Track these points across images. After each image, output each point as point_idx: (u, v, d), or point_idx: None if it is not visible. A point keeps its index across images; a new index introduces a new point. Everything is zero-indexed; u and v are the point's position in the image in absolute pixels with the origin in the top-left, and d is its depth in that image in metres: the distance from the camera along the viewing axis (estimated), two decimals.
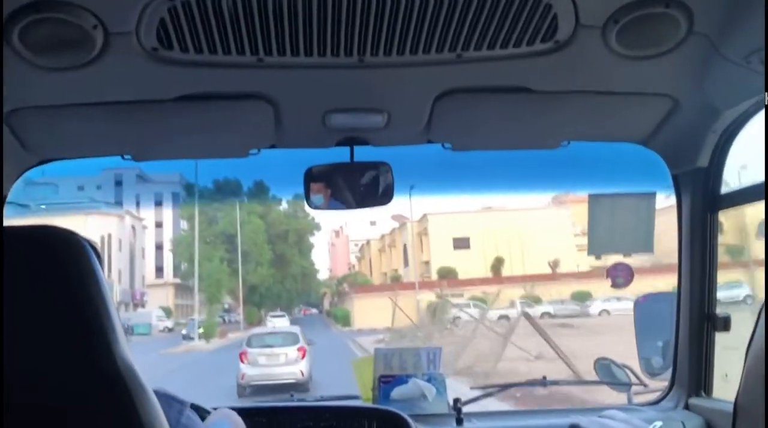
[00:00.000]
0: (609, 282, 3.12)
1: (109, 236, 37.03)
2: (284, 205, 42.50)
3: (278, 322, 32.78)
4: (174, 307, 42.00)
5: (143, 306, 40.66)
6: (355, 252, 58.19)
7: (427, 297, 29.06)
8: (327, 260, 61.71)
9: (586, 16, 1.45)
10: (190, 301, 43.02)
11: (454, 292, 29.34)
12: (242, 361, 16.22)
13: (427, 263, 39.97)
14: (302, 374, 15.75)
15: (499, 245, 36.46)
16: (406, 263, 42.01)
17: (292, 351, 16.46)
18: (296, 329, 19.60)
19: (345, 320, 37.14)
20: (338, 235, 60.30)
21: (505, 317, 21.34)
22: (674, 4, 1.41)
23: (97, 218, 36.32)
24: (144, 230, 44.92)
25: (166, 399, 1.22)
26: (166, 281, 43.18)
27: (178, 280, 42.73)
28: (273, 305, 44.04)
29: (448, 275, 35.65)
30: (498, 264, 37.13)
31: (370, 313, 30.76)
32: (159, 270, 44.78)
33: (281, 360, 16.19)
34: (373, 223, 48.66)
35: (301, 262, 45.88)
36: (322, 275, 57.63)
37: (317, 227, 46.24)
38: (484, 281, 32.49)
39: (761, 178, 1.86)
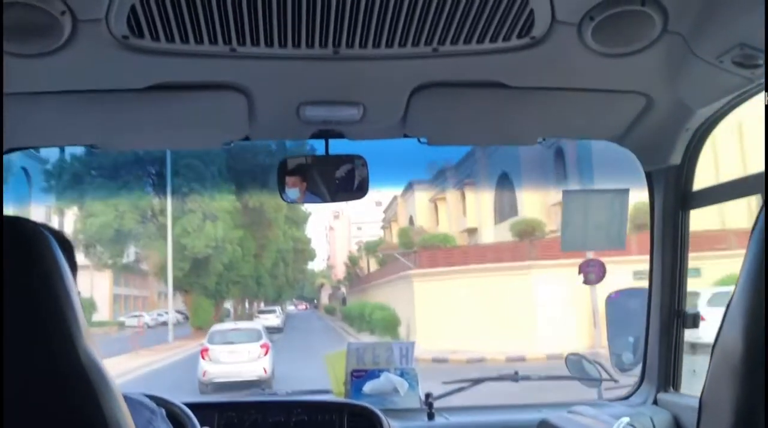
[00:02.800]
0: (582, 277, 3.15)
1: None
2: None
3: (269, 320, 29.15)
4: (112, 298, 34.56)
5: None
6: (357, 237, 48.96)
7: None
8: (323, 248, 52.02)
9: (562, 12, 1.45)
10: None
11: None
12: (203, 358, 15.99)
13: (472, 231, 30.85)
14: (265, 371, 15.60)
15: None
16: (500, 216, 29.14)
17: (254, 348, 16.25)
18: (258, 325, 19.26)
19: (380, 324, 24.52)
20: (338, 217, 51.72)
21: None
22: (650, 3, 1.41)
23: None
24: None
25: (135, 405, 1.20)
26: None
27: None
28: (243, 296, 33.81)
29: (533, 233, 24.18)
30: None
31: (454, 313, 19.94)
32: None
33: (243, 357, 15.93)
34: (378, 204, 41.38)
35: (292, 232, 32.63)
36: (317, 264, 47.79)
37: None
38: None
39: (731, 177, 1.89)
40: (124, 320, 33.42)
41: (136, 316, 34.09)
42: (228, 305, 34.55)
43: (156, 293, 35.77)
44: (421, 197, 35.64)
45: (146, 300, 39.68)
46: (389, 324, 24.43)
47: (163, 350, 22.47)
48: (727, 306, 0.83)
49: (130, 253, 30.08)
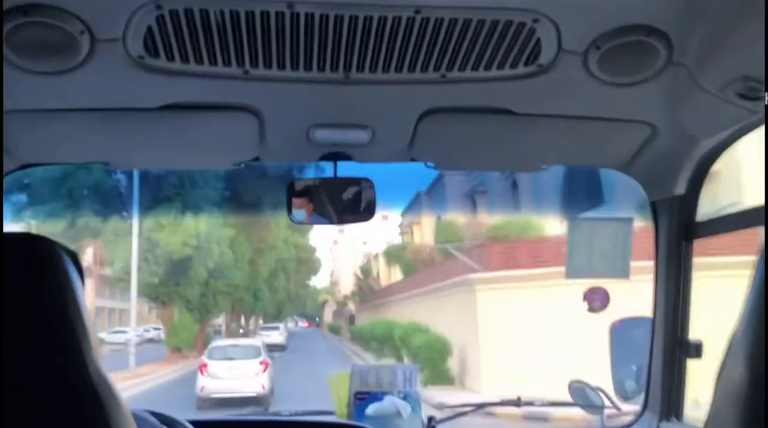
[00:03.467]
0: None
1: None
2: None
3: (272, 337, 28.34)
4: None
5: None
6: (363, 251, 43.71)
7: None
8: (327, 263, 47.65)
9: (568, 41, 1.48)
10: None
11: None
12: (202, 373, 16.08)
13: None
14: (263, 387, 15.65)
15: None
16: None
17: (253, 364, 16.34)
18: (258, 342, 19.14)
19: (422, 353, 16.72)
20: (342, 231, 45.81)
21: None
22: (655, 34, 1.44)
23: None
24: None
25: (141, 422, 1.21)
26: None
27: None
28: (237, 311, 29.34)
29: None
30: None
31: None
32: None
33: (242, 374, 15.99)
34: (385, 218, 35.22)
35: (295, 239, 27.52)
36: (320, 280, 44.97)
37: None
38: None
39: (736, 208, 1.90)
40: (104, 336, 28.91)
41: (119, 332, 29.78)
42: (220, 321, 30.74)
43: (147, 306, 30.78)
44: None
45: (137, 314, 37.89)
46: (436, 353, 17.24)
47: (118, 379, 20.16)
48: (731, 337, 0.84)
49: (88, 253, 24.51)
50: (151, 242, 21.21)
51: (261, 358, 16.67)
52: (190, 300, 23.11)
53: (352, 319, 36.00)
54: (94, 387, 0.83)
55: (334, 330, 44.57)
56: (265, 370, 16.25)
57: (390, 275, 32.97)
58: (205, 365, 16.35)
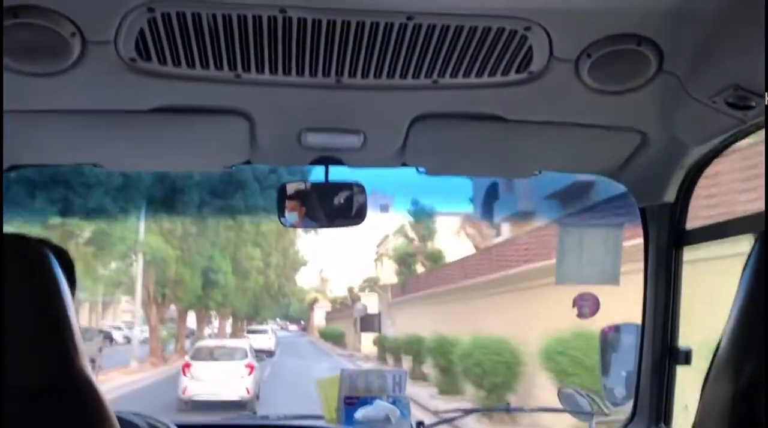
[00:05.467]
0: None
1: None
2: None
3: (259, 341, 26.13)
4: None
5: None
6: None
7: None
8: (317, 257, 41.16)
9: (559, 49, 1.48)
10: None
11: None
12: (184, 374, 15.56)
13: None
14: (248, 392, 15.20)
15: None
16: None
17: (239, 367, 15.83)
18: (246, 344, 18.23)
19: None
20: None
21: None
22: (645, 43, 1.45)
23: None
24: None
25: (126, 424, 1.20)
26: None
27: None
28: (202, 309, 25.58)
29: None
30: None
31: None
32: None
33: (226, 376, 15.47)
34: (384, 208, 31.16)
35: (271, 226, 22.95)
36: (307, 278, 38.23)
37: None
38: None
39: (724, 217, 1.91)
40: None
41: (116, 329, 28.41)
42: (190, 320, 26.78)
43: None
44: None
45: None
46: None
47: None
48: (717, 348, 0.84)
49: None
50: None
51: (247, 361, 16.17)
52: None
53: (378, 325, 27.80)
54: (78, 388, 0.83)
55: (333, 337, 35.10)
56: (250, 373, 15.79)
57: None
58: (188, 365, 15.84)
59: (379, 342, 25.42)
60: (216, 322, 31.60)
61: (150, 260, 21.16)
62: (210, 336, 28.79)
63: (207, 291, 23.56)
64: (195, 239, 21.50)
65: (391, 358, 21.10)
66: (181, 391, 15.22)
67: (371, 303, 32.02)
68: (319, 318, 40.54)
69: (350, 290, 37.57)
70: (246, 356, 16.53)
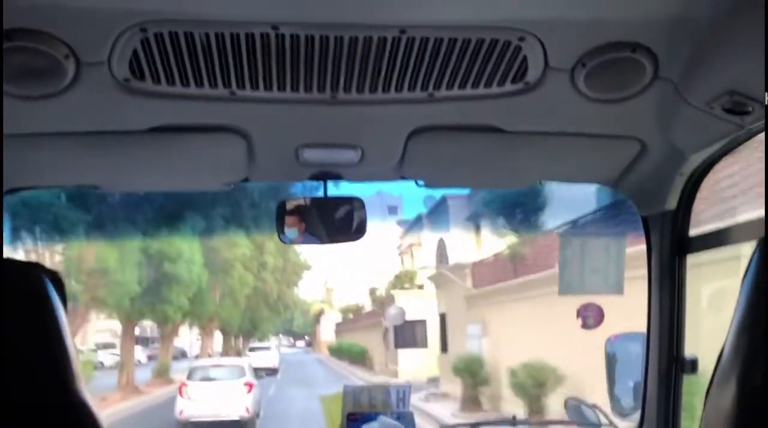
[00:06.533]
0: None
1: None
2: None
3: (261, 359, 24.48)
4: None
5: None
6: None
7: None
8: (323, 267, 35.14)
9: (554, 59, 1.48)
10: None
11: None
12: (181, 395, 15.27)
13: None
14: (247, 411, 14.94)
15: None
16: None
17: (237, 386, 15.53)
18: (244, 362, 17.75)
19: None
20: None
21: None
22: (640, 50, 1.44)
23: None
24: None
25: None
26: None
27: None
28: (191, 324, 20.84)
29: None
30: None
31: None
32: None
33: (225, 395, 15.17)
34: (392, 210, 28.80)
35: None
36: (311, 290, 34.11)
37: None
38: None
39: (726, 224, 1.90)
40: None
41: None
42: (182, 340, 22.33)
43: None
44: None
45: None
46: None
47: None
48: (720, 355, 0.83)
49: None
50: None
51: (245, 379, 15.87)
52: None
53: (412, 335, 21.37)
54: (75, 412, 0.83)
55: (351, 354, 27.70)
56: (249, 392, 15.52)
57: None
58: (184, 386, 15.58)
59: (456, 366, 15.96)
60: (192, 338, 24.74)
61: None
62: (176, 359, 22.47)
63: (156, 290, 17.16)
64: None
65: (486, 400, 13.00)
66: (177, 413, 14.97)
67: (412, 306, 23.76)
68: (326, 332, 34.70)
69: (372, 291, 29.80)
70: (244, 374, 16.26)
